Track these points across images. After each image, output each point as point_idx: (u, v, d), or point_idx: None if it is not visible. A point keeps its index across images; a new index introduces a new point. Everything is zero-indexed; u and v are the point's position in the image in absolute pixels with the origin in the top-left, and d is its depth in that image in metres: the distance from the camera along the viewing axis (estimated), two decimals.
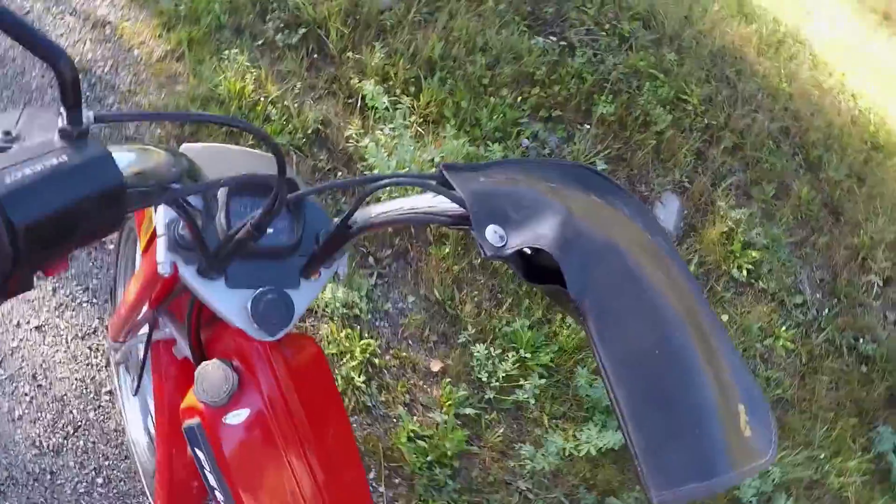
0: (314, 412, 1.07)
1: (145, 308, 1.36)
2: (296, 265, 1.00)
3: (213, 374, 1.00)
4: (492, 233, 0.72)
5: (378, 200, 0.94)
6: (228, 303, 0.96)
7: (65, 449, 2.16)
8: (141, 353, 1.37)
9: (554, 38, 3.34)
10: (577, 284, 0.70)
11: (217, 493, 1.06)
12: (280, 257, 0.99)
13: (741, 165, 3.53)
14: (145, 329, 1.38)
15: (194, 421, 1.02)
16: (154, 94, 2.89)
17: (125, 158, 0.73)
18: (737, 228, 3.23)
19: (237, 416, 1.01)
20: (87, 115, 0.66)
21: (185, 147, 1.12)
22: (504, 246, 0.72)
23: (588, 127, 3.16)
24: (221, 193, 0.95)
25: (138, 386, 1.65)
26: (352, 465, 1.12)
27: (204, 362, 1.02)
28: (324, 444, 1.07)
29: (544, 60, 3.23)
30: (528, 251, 0.76)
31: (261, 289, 0.96)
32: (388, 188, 0.86)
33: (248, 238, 0.88)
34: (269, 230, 0.96)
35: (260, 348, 1.02)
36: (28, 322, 2.33)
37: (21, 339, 2.31)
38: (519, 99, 3.11)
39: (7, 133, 0.68)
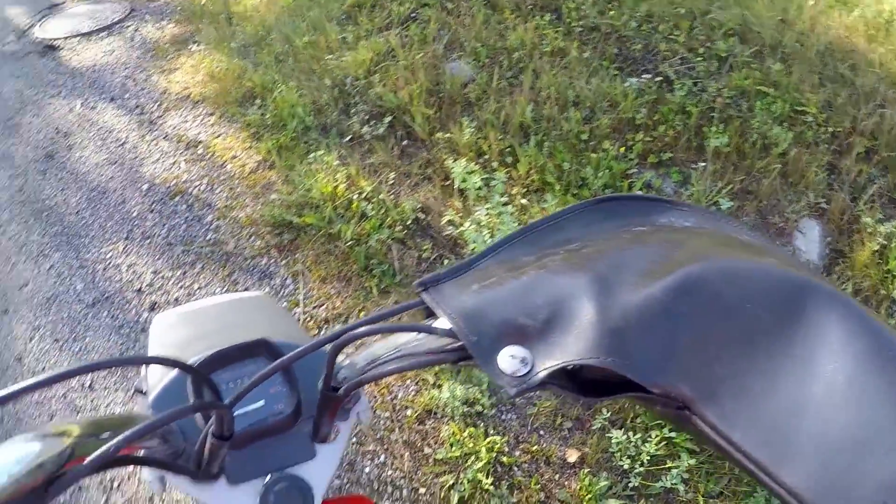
0: None
1: None
2: (305, 432, 0.86)
3: None
4: (507, 359, 0.52)
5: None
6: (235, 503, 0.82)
7: None
8: None
9: (648, 76, 3.14)
10: (655, 377, 0.48)
11: None
12: (283, 429, 0.85)
13: (880, 171, 3.18)
14: None
15: None
16: (250, 207, 2.88)
17: None
18: (889, 244, 2.89)
19: None
20: None
21: (158, 319, 1.02)
22: (531, 371, 0.51)
23: (704, 164, 2.92)
24: (187, 386, 0.81)
25: None
26: None
27: None
28: None
29: (643, 101, 3.03)
30: (570, 366, 0.53)
31: (268, 478, 0.83)
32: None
33: (219, 448, 0.73)
34: (260, 402, 0.84)
35: None
36: None
37: None
38: (623, 149, 2.92)
39: None
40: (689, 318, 0.51)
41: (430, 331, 0.59)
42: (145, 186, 3.10)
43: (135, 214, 3.00)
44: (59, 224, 3.04)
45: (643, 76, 3.13)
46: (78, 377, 2.59)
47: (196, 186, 3.04)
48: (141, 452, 0.71)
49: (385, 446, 2.31)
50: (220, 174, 3.06)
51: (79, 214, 3.06)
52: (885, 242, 2.88)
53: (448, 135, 2.90)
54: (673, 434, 2.25)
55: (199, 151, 3.17)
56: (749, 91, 3.14)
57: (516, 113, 2.92)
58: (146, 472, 0.82)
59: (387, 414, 2.37)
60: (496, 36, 3.30)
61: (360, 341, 0.67)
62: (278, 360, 0.68)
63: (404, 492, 2.23)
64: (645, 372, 0.49)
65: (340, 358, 0.74)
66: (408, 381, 2.42)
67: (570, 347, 0.51)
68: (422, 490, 2.23)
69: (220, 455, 0.75)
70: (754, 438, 0.45)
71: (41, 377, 0.52)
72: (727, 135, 2.96)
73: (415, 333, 0.65)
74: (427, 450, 2.30)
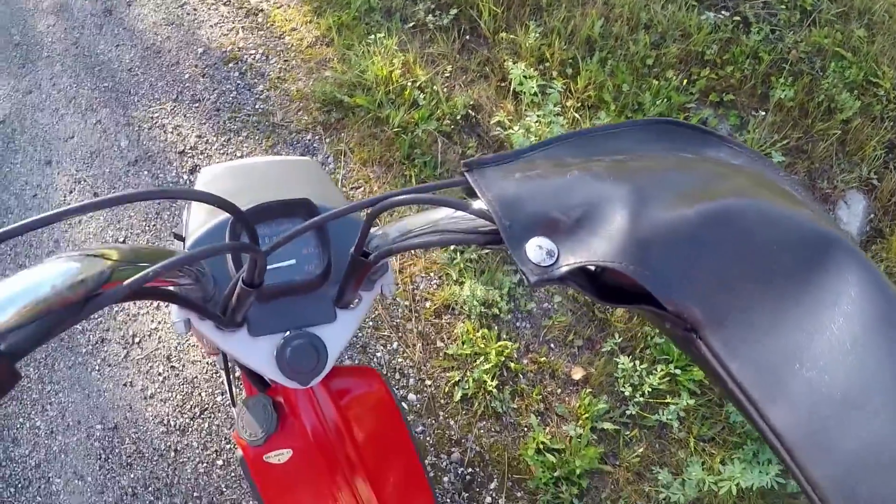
0: (374, 457, 0.97)
1: None
2: (329, 295, 0.89)
3: (252, 413, 0.94)
4: (535, 249, 0.54)
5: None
6: (254, 354, 0.86)
7: (190, 429, 2.21)
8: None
9: (726, 13, 3.04)
10: (672, 293, 0.50)
11: None
12: (310, 290, 0.88)
13: None
14: None
15: (239, 453, 0.96)
16: (302, 81, 2.86)
17: None
18: None
19: (279, 456, 0.93)
20: None
21: (206, 170, 1.04)
22: (555, 264, 0.53)
23: (764, 113, 2.84)
24: (226, 233, 0.84)
25: (232, 399, 1.63)
26: None
27: (247, 398, 0.95)
28: (385, 490, 0.97)
29: (715, 38, 2.94)
30: (593, 267, 0.56)
31: (287, 333, 0.86)
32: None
33: (248, 296, 0.74)
34: (291, 261, 0.87)
35: (303, 391, 0.93)
36: (167, 306, 2.36)
37: (159, 322, 2.35)
38: (686, 81, 2.85)
39: None
40: (716, 247, 0.51)
41: (466, 208, 0.60)
42: (200, 50, 3.07)
43: (186, 77, 2.99)
44: (110, 80, 3.03)
45: (722, 12, 3.03)
46: (116, 214, 2.62)
47: (251, 55, 3.01)
48: (175, 290, 0.72)
49: (399, 334, 2.33)
50: (277, 45, 3.02)
51: (131, 72, 3.05)
52: None
53: (512, 36, 2.84)
54: (678, 371, 2.25)
55: (259, 20, 3.13)
56: (826, 50, 3.03)
57: (585, 25, 2.84)
58: (174, 313, 0.85)
59: (406, 303, 2.37)
60: None
61: (395, 213, 0.68)
62: (318, 217, 0.69)
63: (411, 381, 2.25)
64: (662, 286, 0.50)
65: (374, 229, 0.75)
66: (431, 274, 2.41)
67: (596, 248, 0.53)
68: (428, 382, 2.25)
69: (247, 303, 0.76)
70: (751, 373, 0.47)
71: (87, 202, 0.52)
72: (794, 89, 2.87)
73: (449, 211, 0.66)
74: (439, 343, 2.31)
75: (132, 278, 0.53)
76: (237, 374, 2.05)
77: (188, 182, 2.67)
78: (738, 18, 3.03)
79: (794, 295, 0.50)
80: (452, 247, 2.43)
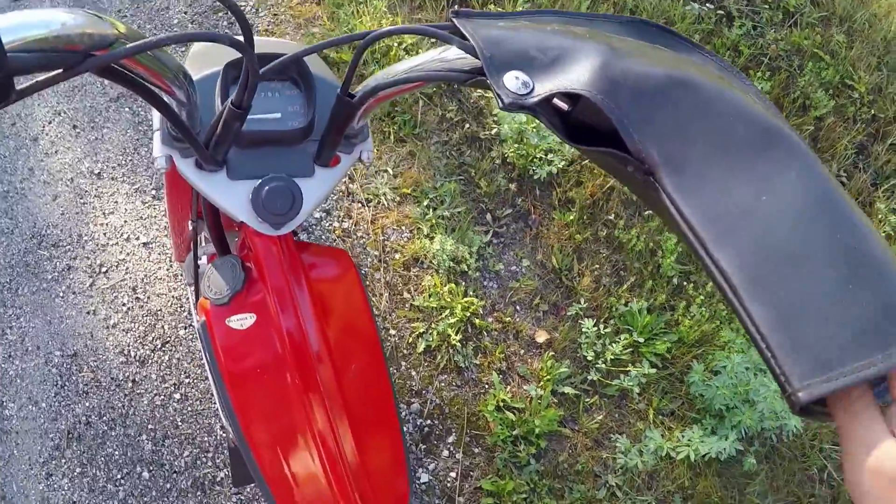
0: (338, 336, 0.97)
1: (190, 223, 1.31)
2: (309, 152, 0.92)
3: (220, 271, 0.94)
4: (512, 79, 0.59)
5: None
6: (230, 195, 0.88)
7: (150, 361, 2.20)
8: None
9: (711, 6, 3.10)
10: (634, 132, 0.56)
11: (219, 404, 0.98)
12: (291, 143, 0.91)
13: None
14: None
15: (201, 319, 0.95)
16: (290, 35, 2.88)
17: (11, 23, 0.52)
18: (894, 234, 2.89)
19: (242, 321, 0.93)
20: None
21: (199, 45, 1.04)
22: (530, 93, 0.58)
23: None
24: (219, 77, 0.87)
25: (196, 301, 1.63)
26: (380, 402, 1.02)
27: (217, 258, 0.96)
28: (345, 375, 0.97)
29: (698, 28, 3.00)
30: (566, 106, 0.62)
31: (265, 177, 0.88)
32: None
33: (234, 120, 0.76)
34: (277, 114, 0.89)
35: (273, 248, 0.93)
36: (137, 238, 2.36)
37: (128, 253, 2.35)
38: None
39: None
40: (678, 104, 0.57)
41: (451, 40, 0.65)
42: None
43: (175, 22, 2.99)
44: None
45: (706, 5, 3.10)
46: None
47: (241, 6, 3.01)
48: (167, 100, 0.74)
49: (367, 283, 2.35)
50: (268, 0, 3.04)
51: (119, 13, 3.04)
52: (892, 233, 2.88)
53: (499, 8, 2.88)
54: (640, 340, 2.28)
55: None
56: (805, 51, 3.11)
57: (572, 5, 2.89)
58: (157, 148, 0.87)
59: (376, 253, 2.39)
60: None
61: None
62: (313, 45, 0.72)
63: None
64: (627, 123, 0.56)
65: (359, 86, 0.79)
66: (402, 228, 2.44)
67: (569, 79, 0.59)
68: (392, 331, 2.27)
69: (232, 130, 0.79)
70: (702, 217, 0.53)
71: None
72: (771, 83, 2.94)
73: (431, 56, 0.71)
74: (406, 295, 2.33)
75: (134, 43, 0.56)
76: None
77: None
78: (721, 12, 3.10)
79: (746, 164, 0.55)
80: (426, 203, 2.45)
